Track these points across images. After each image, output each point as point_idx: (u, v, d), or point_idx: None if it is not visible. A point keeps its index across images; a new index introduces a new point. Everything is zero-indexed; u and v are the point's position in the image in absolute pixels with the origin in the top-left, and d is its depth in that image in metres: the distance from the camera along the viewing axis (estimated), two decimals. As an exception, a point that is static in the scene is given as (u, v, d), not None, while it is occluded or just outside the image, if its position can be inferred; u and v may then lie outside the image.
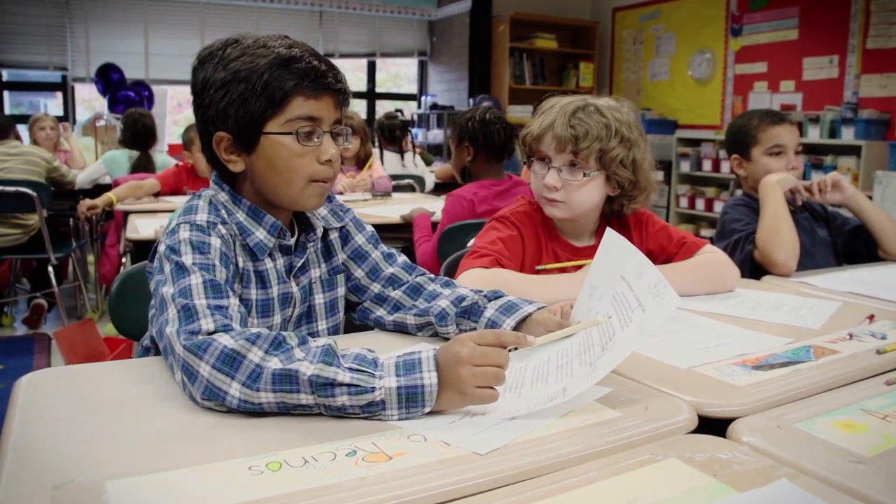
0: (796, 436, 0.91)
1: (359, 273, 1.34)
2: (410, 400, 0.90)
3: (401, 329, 1.32)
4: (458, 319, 1.24)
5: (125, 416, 0.91)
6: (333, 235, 1.33)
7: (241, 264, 1.16)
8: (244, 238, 1.17)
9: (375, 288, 1.34)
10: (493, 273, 1.48)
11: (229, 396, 0.90)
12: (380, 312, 1.33)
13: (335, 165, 1.18)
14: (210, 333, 0.93)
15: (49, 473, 0.76)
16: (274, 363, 0.90)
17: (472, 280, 1.45)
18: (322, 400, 0.89)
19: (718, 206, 6.38)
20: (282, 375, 0.89)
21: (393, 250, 1.39)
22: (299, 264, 1.24)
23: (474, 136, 2.82)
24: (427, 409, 0.91)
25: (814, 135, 5.55)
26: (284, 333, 0.95)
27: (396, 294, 1.32)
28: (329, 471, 0.78)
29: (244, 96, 1.10)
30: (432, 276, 1.37)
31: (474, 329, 1.22)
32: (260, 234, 1.18)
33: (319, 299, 1.29)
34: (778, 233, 1.93)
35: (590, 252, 1.67)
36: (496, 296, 1.25)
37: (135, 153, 4.39)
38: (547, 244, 1.64)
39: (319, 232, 1.27)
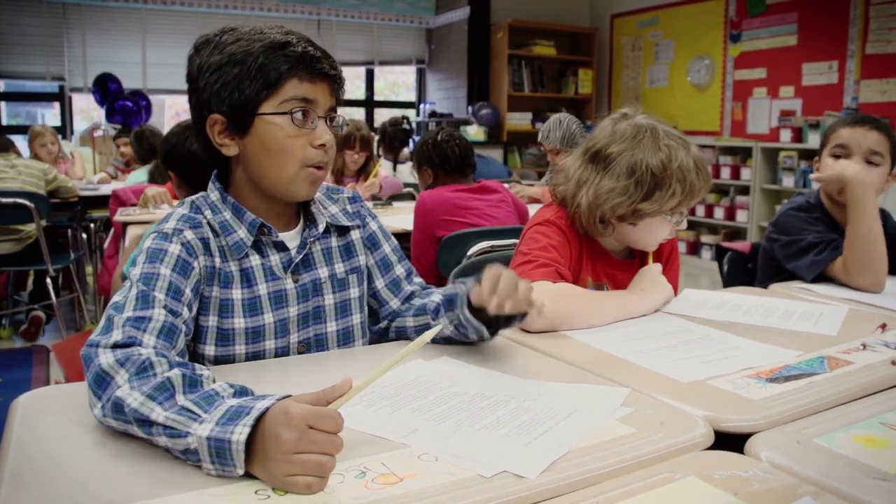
0: (816, 451, 0.89)
1: (380, 283, 1.34)
2: (220, 455, 0.77)
3: (401, 334, 1.33)
4: (449, 314, 1.24)
5: (127, 438, 0.88)
6: (355, 235, 1.32)
7: (218, 265, 1.15)
8: (225, 237, 1.16)
9: (394, 304, 1.34)
10: (559, 287, 1.43)
11: (95, 415, 0.89)
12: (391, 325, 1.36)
13: (330, 152, 1.17)
14: (108, 346, 0.90)
15: (48, 500, 0.74)
16: (120, 390, 0.85)
17: (540, 293, 1.39)
18: (149, 437, 0.83)
19: (719, 213, 6.38)
20: (115, 404, 0.85)
21: (413, 268, 1.39)
22: (298, 260, 1.22)
23: (430, 159, 2.90)
24: (240, 471, 0.77)
25: (814, 140, 5.54)
26: (155, 359, 0.88)
27: (409, 320, 1.34)
28: (338, 493, 0.75)
29: (239, 78, 1.10)
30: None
31: (455, 316, 1.20)
32: (241, 233, 1.17)
33: (329, 300, 1.26)
34: (870, 254, 1.78)
35: (627, 265, 1.64)
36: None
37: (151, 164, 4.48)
38: (586, 253, 1.59)
39: (321, 227, 1.25)
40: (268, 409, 0.79)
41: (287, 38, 1.12)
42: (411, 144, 7.19)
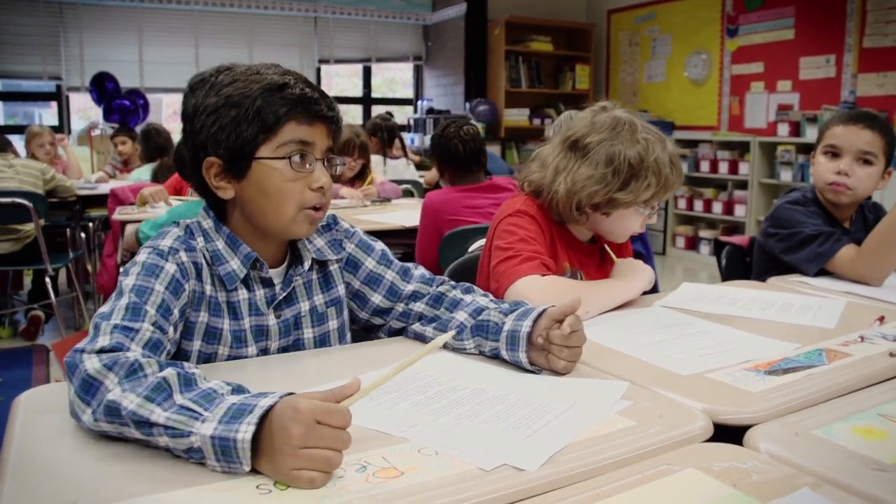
0: (815, 443, 0.89)
1: (376, 298, 1.31)
2: (226, 454, 0.78)
3: (419, 339, 1.30)
4: (477, 339, 1.21)
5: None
6: (333, 266, 1.29)
7: (208, 292, 1.14)
8: (216, 267, 1.15)
9: (399, 308, 1.31)
10: (550, 281, 1.43)
11: (83, 422, 0.87)
12: (405, 327, 1.33)
13: (327, 194, 1.16)
14: (94, 352, 0.89)
15: (50, 496, 0.74)
16: (112, 394, 0.84)
17: (530, 289, 1.39)
18: (148, 438, 0.83)
19: (717, 207, 6.39)
20: (109, 407, 0.84)
21: (409, 265, 1.35)
22: (282, 297, 1.21)
23: (438, 155, 2.81)
24: (246, 468, 0.78)
25: (811, 135, 5.55)
26: (143, 360, 0.88)
27: (419, 307, 1.30)
28: (339, 488, 0.76)
29: (236, 121, 1.09)
30: (453, 283, 1.34)
31: (495, 347, 1.17)
32: (233, 264, 1.16)
33: (308, 333, 1.26)
34: (892, 248, 1.77)
35: (593, 250, 1.67)
36: (512, 309, 1.21)
37: (155, 164, 4.48)
38: (558, 239, 1.61)
39: (307, 265, 1.24)
40: (272, 406, 0.79)
41: (284, 80, 1.11)
42: (412, 140, 7.21)
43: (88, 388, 0.86)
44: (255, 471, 0.79)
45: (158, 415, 0.81)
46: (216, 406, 0.81)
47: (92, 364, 0.87)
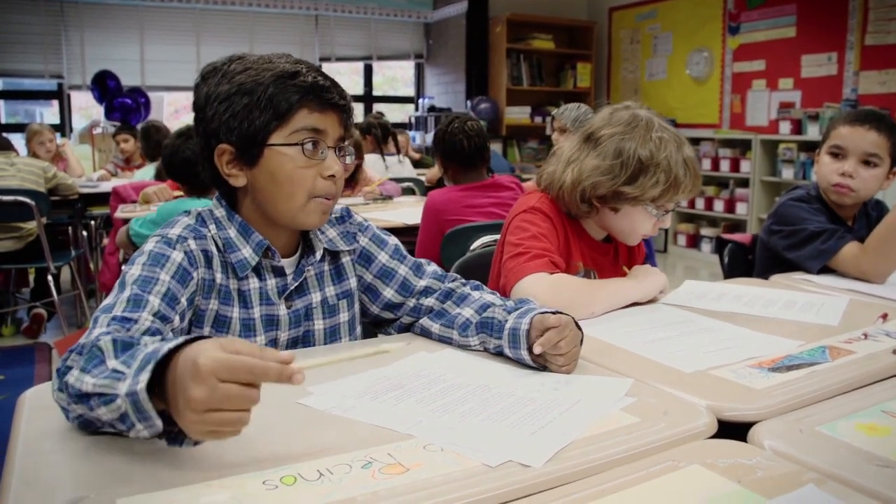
0: (819, 439, 0.89)
1: (388, 292, 1.31)
2: (139, 410, 0.73)
3: (426, 335, 1.31)
4: (482, 336, 1.21)
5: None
6: (346, 258, 1.29)
7: (219, 280, 1.14)
8: (228, 254, 1.15)
9: (411, 303, 1.31)
10: (557, 279, 1.42)
11: (70, 418, 0.86)
12: (415, 321, 1.33)
13: (339, 183, 1.16)
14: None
15: (57, 492, 0.74)
16: (69, 375, 0.82)
17: (535, 287, 1.39)
18: (94, 414, 0.79)
19: (718, 205, 6.38)
20: (69, 392, 0.81)
21: (422, 261, 1.35)
22: (293, 287, 1.21)
23: (441, 151, 2.79)
24: (158, 422, 0.73)
25: (813, 132, 5.55)
26: (103, 339, 0.84)
27: (429, 301, 1.30)
28: (345, 483, 0.76)
29: (248, 108, 1.09)
30: (463, 280, 1.34)
31: (499, 345, 1.18)
32: (245, 252, 1.16)
33: (319, 325, 1.25)
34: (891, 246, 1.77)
35: (607, 249, 1.67)
36: (516, 307, 1.21)
37: (158, 161, 4.45)
38: (572, 238, 1.60)
39: (318, 254, 1.24)
40: (171, 350, 0.74)
41: (296, 68, 1.11)
42: (414, 139, 7.20)
43: (60, 378, 0.85)
44: (256, 467, 0.78)
45: (88, 383, 0.78)
46: (135, 360, 0.77)
47: (70, 356, 0.86)
